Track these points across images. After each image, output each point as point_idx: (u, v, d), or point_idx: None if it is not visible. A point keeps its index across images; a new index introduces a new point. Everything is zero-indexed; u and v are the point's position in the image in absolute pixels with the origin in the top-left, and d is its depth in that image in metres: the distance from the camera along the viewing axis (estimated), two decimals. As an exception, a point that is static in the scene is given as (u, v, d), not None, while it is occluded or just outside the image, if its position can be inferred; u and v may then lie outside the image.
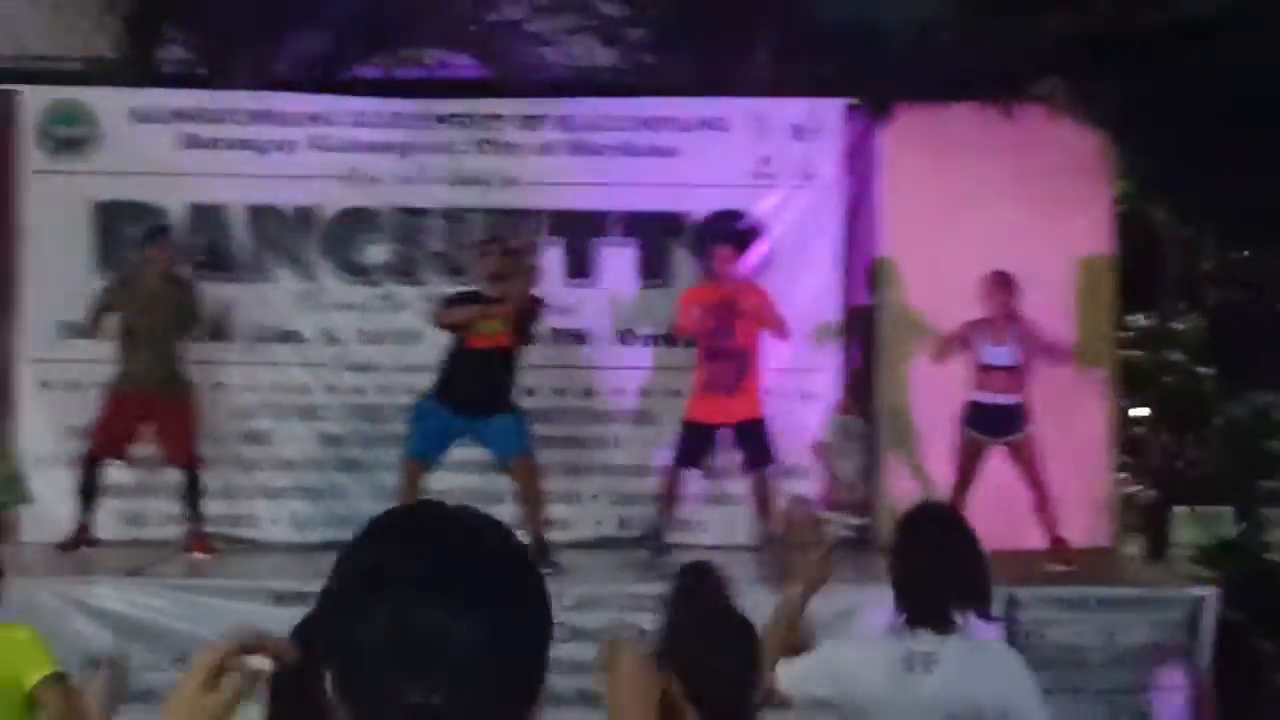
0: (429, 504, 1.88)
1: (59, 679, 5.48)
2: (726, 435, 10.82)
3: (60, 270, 11.17)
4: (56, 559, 10.11)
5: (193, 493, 10.53)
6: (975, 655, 4.64)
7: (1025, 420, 10.47)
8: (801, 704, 4.81)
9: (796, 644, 4.89)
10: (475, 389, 9.99)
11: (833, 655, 4.83)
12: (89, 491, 10.41)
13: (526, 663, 1.78)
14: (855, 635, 5.01)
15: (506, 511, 10.48)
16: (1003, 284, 10.48)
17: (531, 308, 10.20)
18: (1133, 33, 10.70)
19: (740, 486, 11.18)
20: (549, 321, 11.39)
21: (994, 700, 4.58)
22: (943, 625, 4.62)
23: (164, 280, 10.50)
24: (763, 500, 10.72)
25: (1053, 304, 11.17)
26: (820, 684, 4.74)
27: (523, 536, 9.55)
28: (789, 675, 4.76)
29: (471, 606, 1.71)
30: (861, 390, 11.62)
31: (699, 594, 5.80)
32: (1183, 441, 14.00)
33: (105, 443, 10.45)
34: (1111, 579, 10.32)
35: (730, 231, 11.41)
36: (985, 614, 4.69)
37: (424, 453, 10.17)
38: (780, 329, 10.71)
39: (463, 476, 10.85)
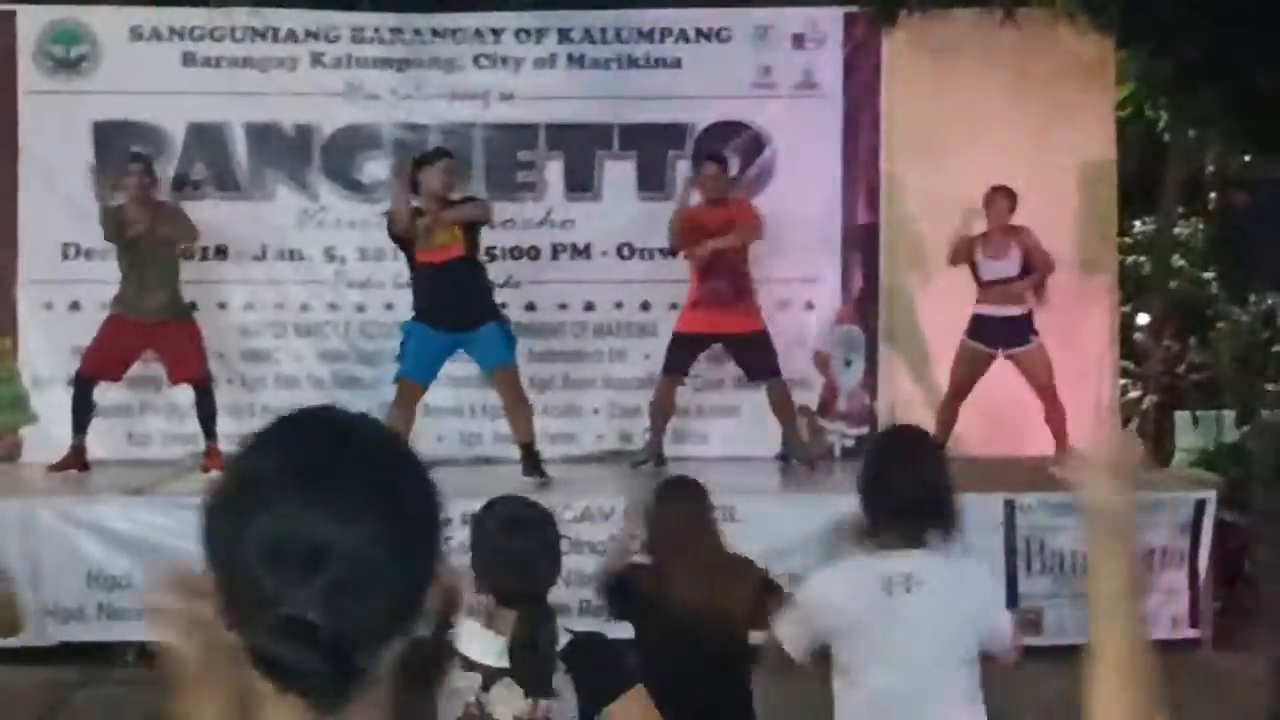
0: (316, 410, 1.84)
1: None
2: (723, 349, 10.84)
3: (60, 191, 11.16)
4: (59, 480, 10.16)
5: (206, 411, 10.58)
6: (953, 572, 4.70)
7: (1031, 330, 10.47)
8: (804, 655, 4.87)
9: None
10: (443, 303, 9.92)
11: (813, 592, 4.87)
12: (82, 413, 10.44)
13: (413, 571, 1.74)
14: (823, 564, 5.04)
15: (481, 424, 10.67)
16: (1005, 198, 10.44)
17: (471, 211, 10.10)
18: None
19: (741, 398, 11.23)
20: (550, 236, 11.43)
21: (973, 615, 4.66)
22: (919, 545, 4.66)
23: (145, 206, 10.47)
24: (782, 410, 10.74)
25: (1055, 210, 11.17)
26: (817, 624, 4.79)
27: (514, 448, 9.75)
28: (787, 635, 4.86)
29: (355, 515, 1.67)
30: (863, 300, 11.61)
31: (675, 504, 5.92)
32: (1185, 346, 13.99)
33: (100, 365, 10.48)
34: (1113, 484, 10.32)
35: (723, 148, 11.37)
36: (950, 533, 4.73)
37: (415, 372, 10.15)
38: (756, 236, 10.68)
39: (461, 391, 10.97)
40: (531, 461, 10.07)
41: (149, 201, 10.52)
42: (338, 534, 1.66)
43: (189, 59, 11.48)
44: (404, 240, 10.05)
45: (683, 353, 10.72)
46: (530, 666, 4.05)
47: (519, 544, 4.24)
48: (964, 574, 4.80)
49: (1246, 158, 13.31)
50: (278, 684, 1.67)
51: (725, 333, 10.63)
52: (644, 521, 5.88)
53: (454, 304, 9.93)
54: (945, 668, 4.62)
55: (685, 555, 5.66)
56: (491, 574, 4.23)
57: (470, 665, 4.09)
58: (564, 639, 4.14)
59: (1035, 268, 10.47)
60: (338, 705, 1.68)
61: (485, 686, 4.07)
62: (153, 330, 10.46)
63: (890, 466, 4.80)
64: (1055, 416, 10.47)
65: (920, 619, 4.57)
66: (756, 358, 10.72)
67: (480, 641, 4.10)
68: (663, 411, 10.78)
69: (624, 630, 5.74)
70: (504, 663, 4.07)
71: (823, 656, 4.82)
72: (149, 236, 10.37)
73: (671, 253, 10.91)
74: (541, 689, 4.05)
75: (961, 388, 10.55)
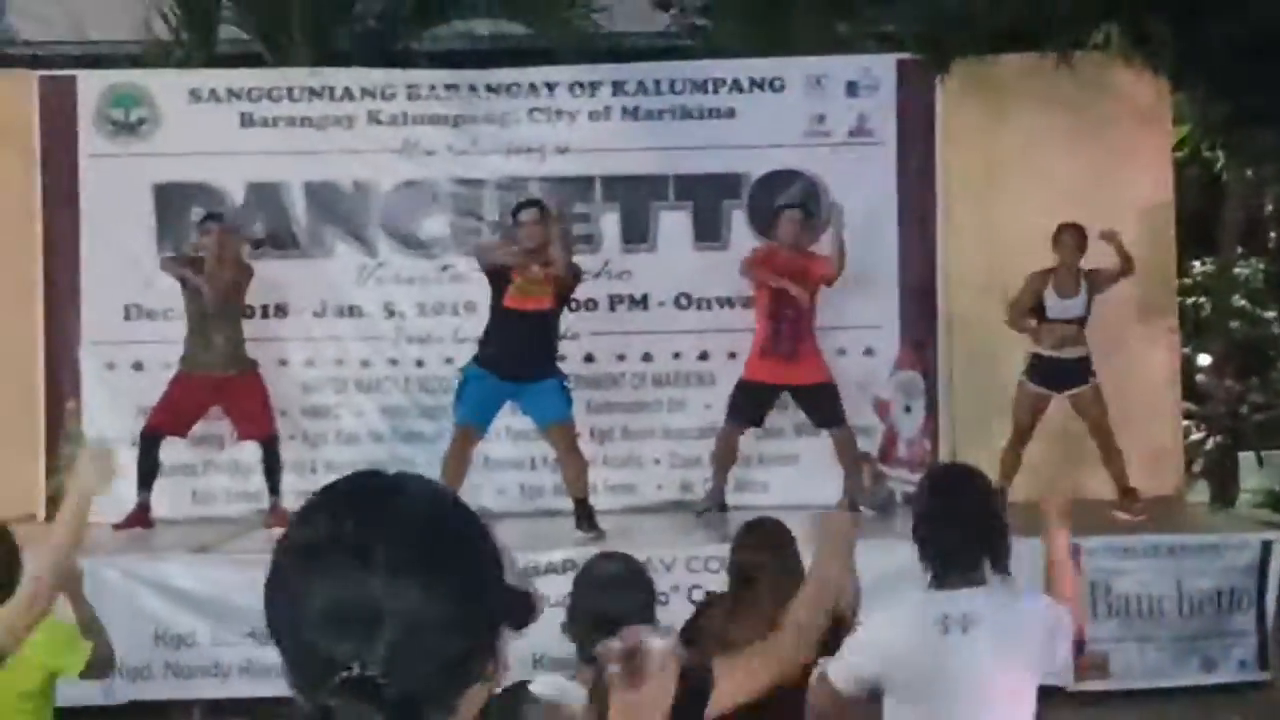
0: (363, 474, 1.86)
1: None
2: (789, 396, 10.83)
3: (122, 252, 11.27)
4: (125, 538, 10.21)
5: (274, 466, 10.68)
6: (1011, 611, 4.70)
7: (1090, 372, 10.42)
8: (854, 691, 4.86)
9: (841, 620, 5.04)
10: (517, 353, 9.95)
11: (870, 631, 4.87)
12: (148, 470, 10.49)
13: (471, 626, 1.76)
14: (890, 600, 5.06)
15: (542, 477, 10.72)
16: (1074, 235, 10.40)
17: (572, 275, 10.18)
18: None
19: (801, 446, 11.21)
20: (608, 288, 11.47)
21: (1032, 654, 4.65)
22: (977, 583, 4.68)
23: (221, 265, 10.56)
24: (847, 457, 10.74)
25: (1114, 252, 11.11)
26: (869, 663, 4.77)
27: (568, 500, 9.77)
28: (836, 669, 4.82)
29: (407, 575, 1.70)
30: (922, 346, 11.58)
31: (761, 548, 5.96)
32: (1247, 387, 13.91)
33: (167, 421, 10.57)
34: (1178, 526, 10.27)
35: (789, 193, 11.42)
36: (1004, 569, 4.74)
37: (473, 419, 10.18)
38: (835, 274, 10.67)
39: (521, 444, 11.00)
40: (585, 515, 10.09)
41: (225, 262, 10.60)
42: (392, 596, 1.69)
43: (247, 120, 11.58)
44: (497, 276, 10.10)
45: (749, 402, 10.72)
46: None
47: (612, 604, 4.26)
48: (1023, 612, 4.76)
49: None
50: None
51: (792, 383, 10.64)
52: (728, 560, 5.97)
53: (526, 355, 9.98)
54: (1000, 708, 4.61)
55: (758, 596, 5.68)
56: (583, 631, 4.26)
57: None
58: None
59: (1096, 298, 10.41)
60: None
61: None
62: (220, 386, 10.56)
63: (945, 505, 4.80)
64: (1113, 458, 10.41)
65: (975, 658, 4.56)
66: (823, 407, 10.75)
67: (567, 694, 4.13)
68: (726, 459, 10.78)
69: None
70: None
71: (874, 698, 4.82)
72: (220, 296, 10.47)
73: (743, 273, 10.86)
74: None
75: (1023, 431, 10.49)
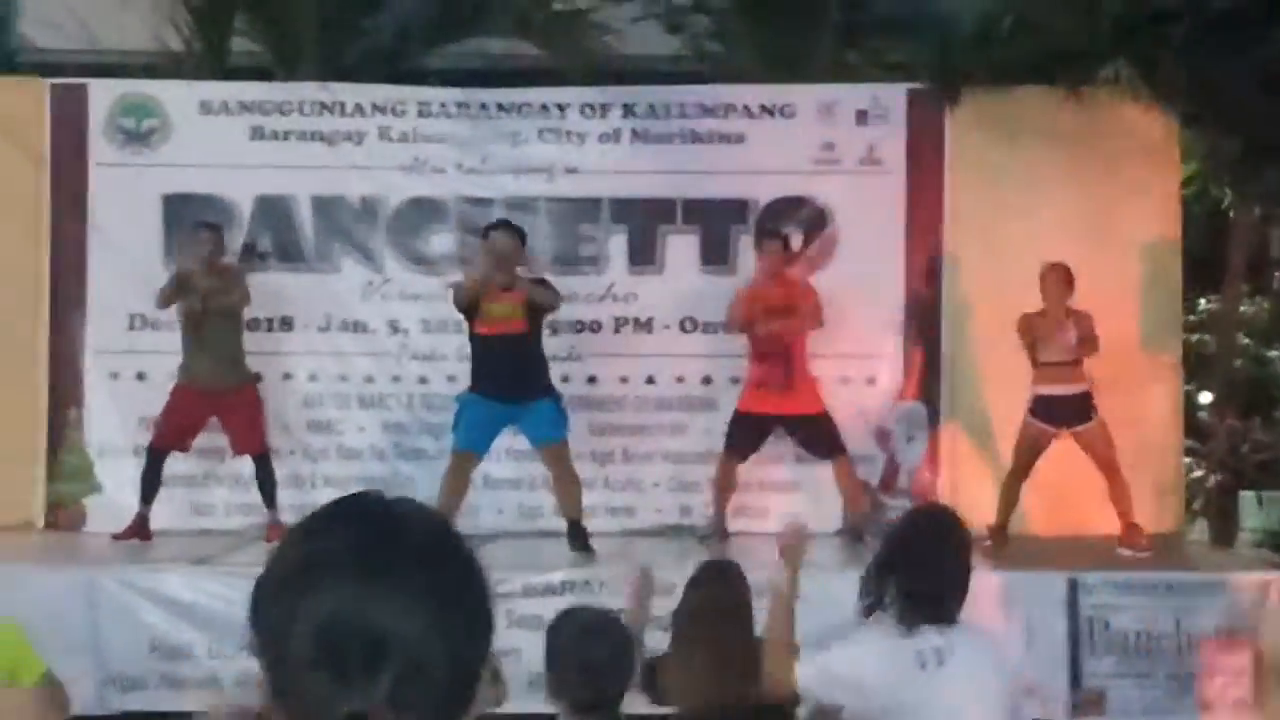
0: (365, 495, 1.78)
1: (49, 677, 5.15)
2: (785, 430, 10.85)
3: (129, 262, 11.26)
4: (123, 549, 10.21)
5: (267, 481, 10.64)
6: (978, 645, 4.82)
7: (1092, 408, 10.38)
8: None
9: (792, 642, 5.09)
10: (501, 376, 9.97)
11: (841, 664, 4.88)
12: (151, 483, 10.50)
13: (468, 662, 1.70)
14: (854, 637, 5.05)
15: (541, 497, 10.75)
16: (1059, 276, 10.37)
17: (548, 298, 10.13)
18: (1198, 13, 10.64)
19: (801, 473, 11.20)
20: (613, 310, 11.46)
21: (1000, 685, 4.74)
22: (948, 620, 4.77)
23: (213, 274, 10.56)
24: (848, 486, 10.76)
25: (1119, 288, 11.13)
26: (836, 693, 4.84)
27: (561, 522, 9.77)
28: (804, 679, 4.88)
29: (414, 605, 1.64)
30: (925, 376, 11.58)
31: (709, 588, 5.76)
32: (1249, 425, 13.88)
33: (169, 435, 10.57)
34: (1177, 564, 10.25)
35: (786, 223, 11.42)
36: (963, 607, 4.84)
37: (471, 443, 10.21)
38: (817, 325, 10.72)
39: (521, 464, 10.99)
40: (578, 536, 10.12)
41: (216, 269, 10.61)
42: (398, 625, 1.63)
43: (257, 133, 11.60)
44: (469, 310, 10.10)
45: (745, 433, 10.74)
46: None
47: (595, 652, 4.22)
48: (990, 648, 4.92)
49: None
50: None
51: (786, 414, 10.66)
52: (680, 604, 5.76)
53: (510, 378, 9.98)
54: None
55: (712, 645, 5.43)
56: (567, 682, 4.21)
57: None
58: None
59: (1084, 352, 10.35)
60: None
61: None
62: (217, 399, 10.55)
63: (925, 547, 4.87)
64: (1120, 493, 10.35)
65: (955, 691, 4.65)
66: (819, 438, 10.76)
67: None
68: (725, 488, 10.79)
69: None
70: None
71: None
72: (211, 304, 10.46)
73: (727, 329, 10.93)
74: None
75: (1024, 467, 10.46)
